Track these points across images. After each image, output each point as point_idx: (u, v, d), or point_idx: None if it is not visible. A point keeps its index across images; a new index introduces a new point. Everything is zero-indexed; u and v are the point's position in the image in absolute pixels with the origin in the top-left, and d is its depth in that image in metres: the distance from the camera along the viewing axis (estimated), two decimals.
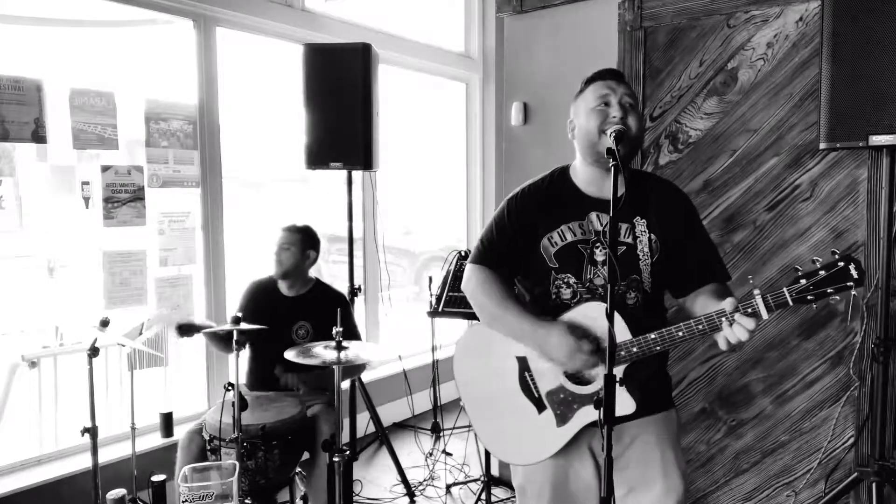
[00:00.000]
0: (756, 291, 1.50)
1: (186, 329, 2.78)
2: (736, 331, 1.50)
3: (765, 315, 1.50)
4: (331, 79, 3.21)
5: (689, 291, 1.74)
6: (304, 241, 3.02)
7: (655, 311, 1.76)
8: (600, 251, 1.71)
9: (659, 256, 1.70)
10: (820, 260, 1.51)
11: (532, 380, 1.76)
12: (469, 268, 1.85)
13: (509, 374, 1.78)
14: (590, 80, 1.76)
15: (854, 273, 1.48)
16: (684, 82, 2.87)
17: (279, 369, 2.90)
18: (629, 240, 1.71)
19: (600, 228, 1.72)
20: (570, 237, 1.73)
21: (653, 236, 1.70)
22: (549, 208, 1.76)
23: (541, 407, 1.74)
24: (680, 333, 1.58)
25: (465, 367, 1.87)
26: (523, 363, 1.77)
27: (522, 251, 1.78)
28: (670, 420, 1.80)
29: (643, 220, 1.71)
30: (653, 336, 1.60)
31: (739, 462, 2.84)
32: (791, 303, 1.49)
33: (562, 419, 1.71)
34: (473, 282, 1.82)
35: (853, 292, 1.49)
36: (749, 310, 1.50)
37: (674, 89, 2.89)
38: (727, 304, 1.51)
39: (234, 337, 2.47)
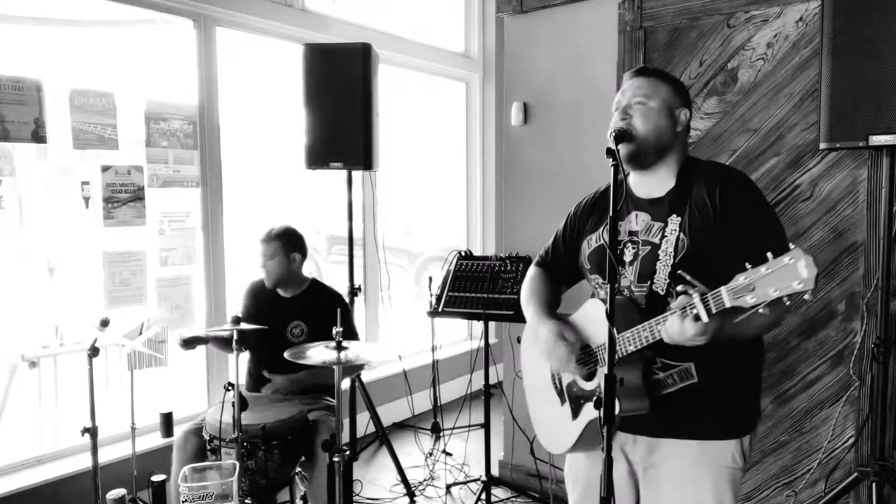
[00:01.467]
0: (693, 292, 1.37)
1: (191, 342, 2.79)
2: (669, 327, 1.42)
3: (704, 318, 1.35)
4: (331, 79, 3.21)
5: None
6: (284, 247, 2.94)
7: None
8: (629, 251, 1.68)
9: (685, 255, 1.58)
10: (771, 255, 1.27)
11: (558, 372, 1.81)
12: (529, 269, 2.01)
13: (544, 365, 1.83)
14: (624, 80, 1.79)
15: (803, 271, 1.22)
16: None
17: (267, 375, 2.90)
18: (656, 240, 1.64)
19: (636, 228, 1.69)
20: (605, 239, 1.74)
21: (681, 235, 1.60)
22: (596, 213, 1.82)
23: (562, 399, 1.79)
24: (645, 333, 1.51)
25: (525, 356, 1.99)
26: None
27: (572, 258, 1.88)
28: (721, 453, 1.63)
29: (678, 218, 1.62)
30: (627, 334, 1.55)
31: None
32: (728, 305, 1.31)
33: (574, 413, 1.74)
34: (526, 281, 1.96)
35: (806, 296, 1.24)
36: (693, 311, 1.36)
37: None
38: (676, 303, 1.41)
39: (234, 337, 2.48)
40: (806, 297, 1.23)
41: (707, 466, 1.63)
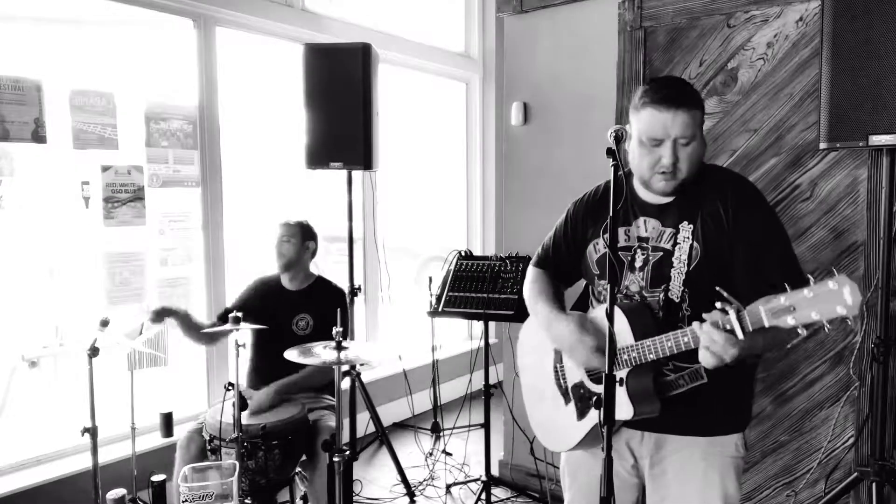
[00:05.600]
0: (730, 308, 1.35)
1: (162, 314, 2.77)
2: (713, 336, 1.37)
3: (739, 335, 1.34)
4: (331, 79, 3.20)
5: (748, 303, 1.42)
6: (302, 233, 3.07)
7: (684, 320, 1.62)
8: (639, 257, 1.68)
9: (699, 264, 1.60)
10: (812, 278, 1.30)
11: (562, 371, 1.81)
12: (528, 270, 1.99)
13: (547, 364, 1.85)
14: (648, 101, 1.59)
15: (847, 298, 1.23)
16: None
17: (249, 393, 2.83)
18: (668, 245, 1.64)
19: (645, 234, 1.69)
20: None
21: (695, 244, 1.61)
22: (600, 215, 1.75)
23: (567, 398, 1.80)
24: (669, 343, 1.51)
25: (525, 353, 1.99)
26: (558, 354, 1.83)
27: (574, 259, 1.86)
28: (726, 445, 1.69)
29: (689, 226, 1.63)
30: (648, 343, 1.56)
31: None
32: (767, 324, 1.31)
33: (581, 413, 1.74)
34: (527, 281, 1.96)
35: (849, 321, 1.28)
36: (727, 327, 1.36)
37: None
38: (710, 316, 1.39)
39: (235, 336, 2.48)
40: (849, 322, 1.24)
41: (714, 458, 1.68)
